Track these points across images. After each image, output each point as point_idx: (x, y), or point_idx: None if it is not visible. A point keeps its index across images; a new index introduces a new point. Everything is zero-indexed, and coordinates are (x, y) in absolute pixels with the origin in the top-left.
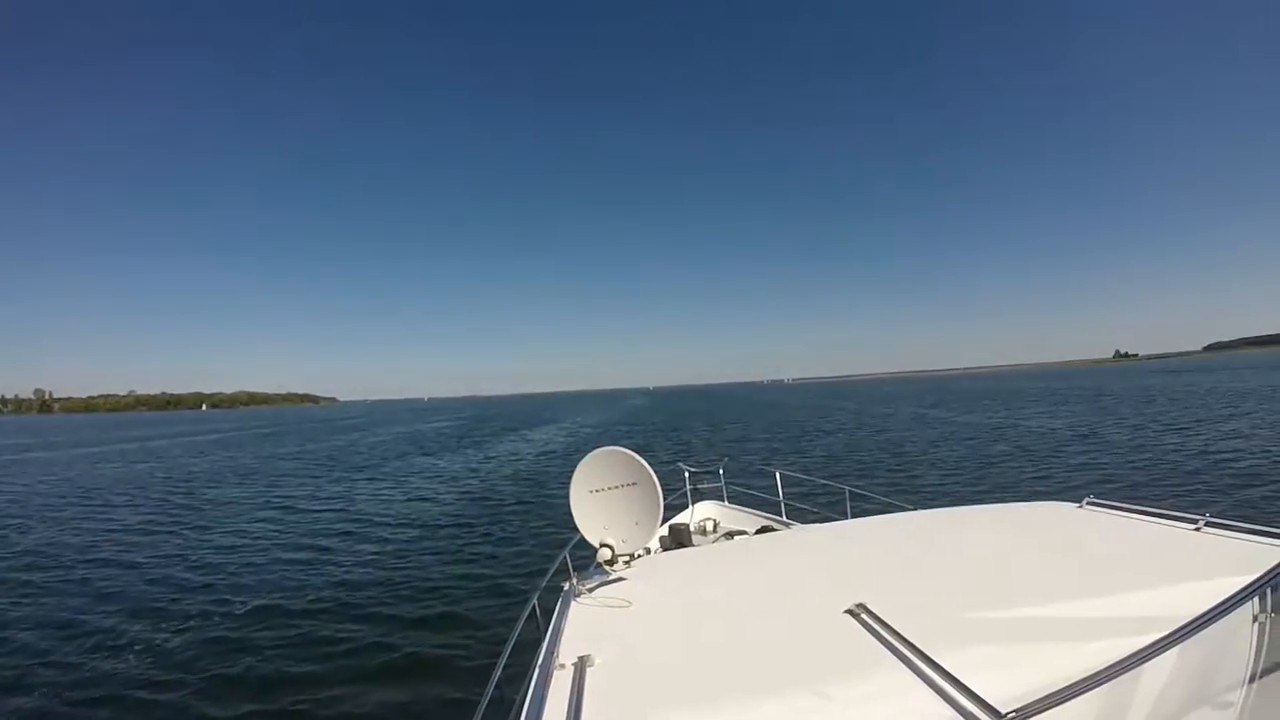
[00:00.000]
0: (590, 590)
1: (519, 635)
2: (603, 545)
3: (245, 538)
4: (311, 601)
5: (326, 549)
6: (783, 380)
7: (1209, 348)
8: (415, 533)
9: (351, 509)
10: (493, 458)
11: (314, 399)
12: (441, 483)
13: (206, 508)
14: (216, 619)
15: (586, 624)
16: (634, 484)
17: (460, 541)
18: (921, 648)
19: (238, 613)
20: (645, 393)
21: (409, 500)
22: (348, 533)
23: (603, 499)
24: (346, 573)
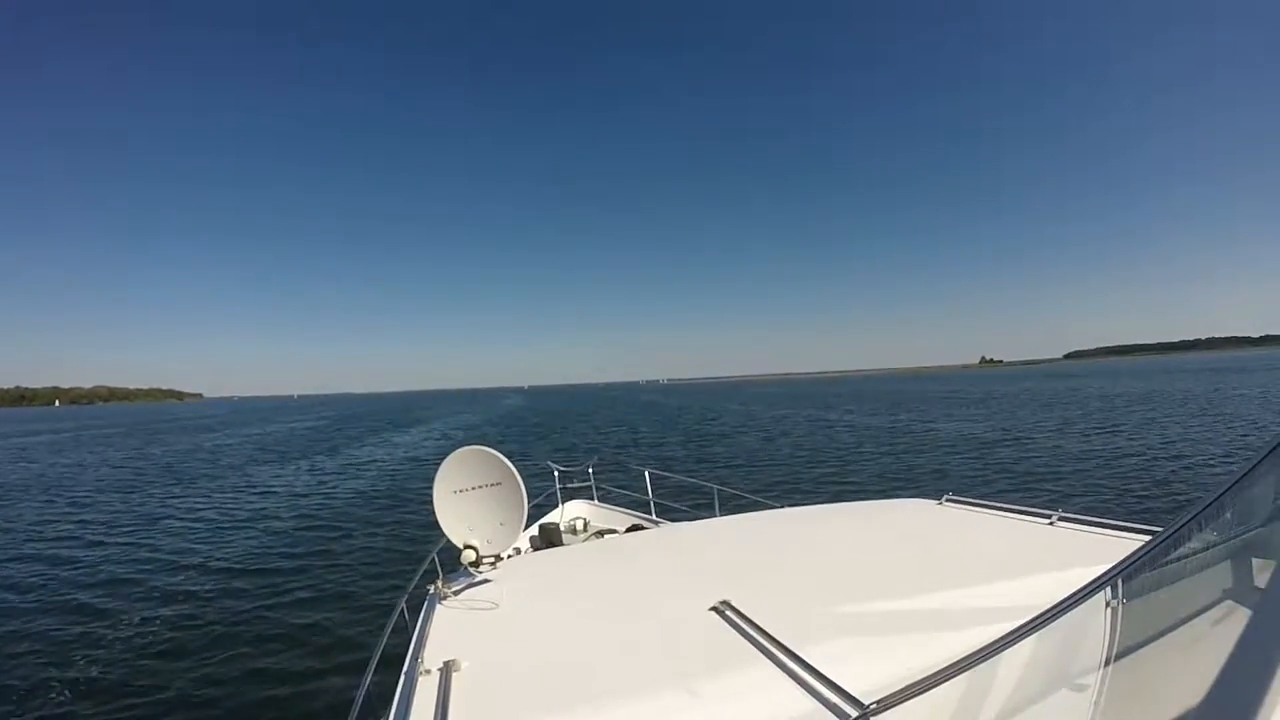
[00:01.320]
0: (456, 593)
1: (387, 643)
2: (467, 547)
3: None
4: (139, 630)
5: (134, 579)
6: (659, 381)
7: (1069, 355)
8: (269, 545)
9: (195, 522)
10: (357, 460)
11: (178, 395)
12: (297, 490)
13: None
14: None
15: (452, 628)
16: (498, 484)
17: (319, 552)
18: (785, 642)
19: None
20: (521, 392)
21: (258, 511)
22: (184, 550)
23: (466, 499)
24: (190, 597)
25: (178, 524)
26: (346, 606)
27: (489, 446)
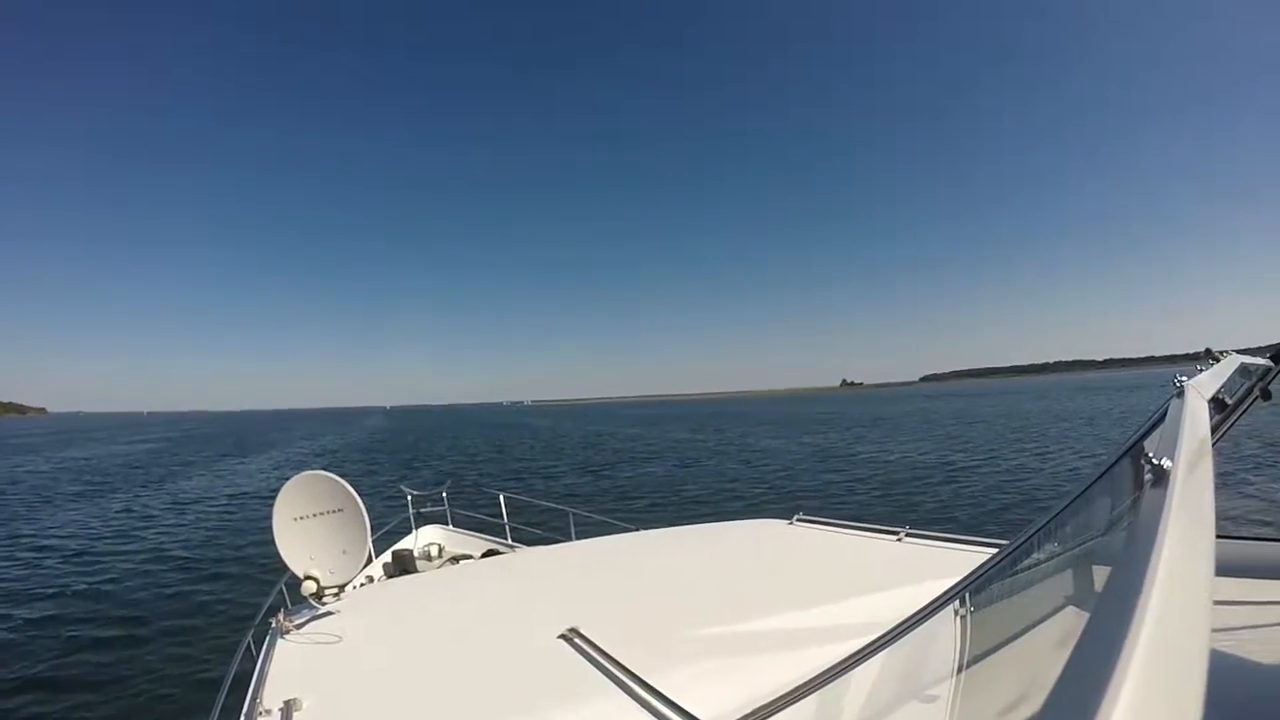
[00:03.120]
0: (299, 627)
1: (232, 681)
2: (307, 577)
3: None
4: None
5: None
6: (523, 402)
7: (925, 378)
8: (97, 585)
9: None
10: (198, 488)
11: (20, 409)
12: (127, 522)
13: None
14: None
15: (295, 664)
16: (339, 510)
17: (155, 589)
18: (634, 669)
19: None
20: (384, 412)
21: (82, 548)
22: None
23: (307, 527)
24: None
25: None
26: (190, 646)
27: (330, 471)
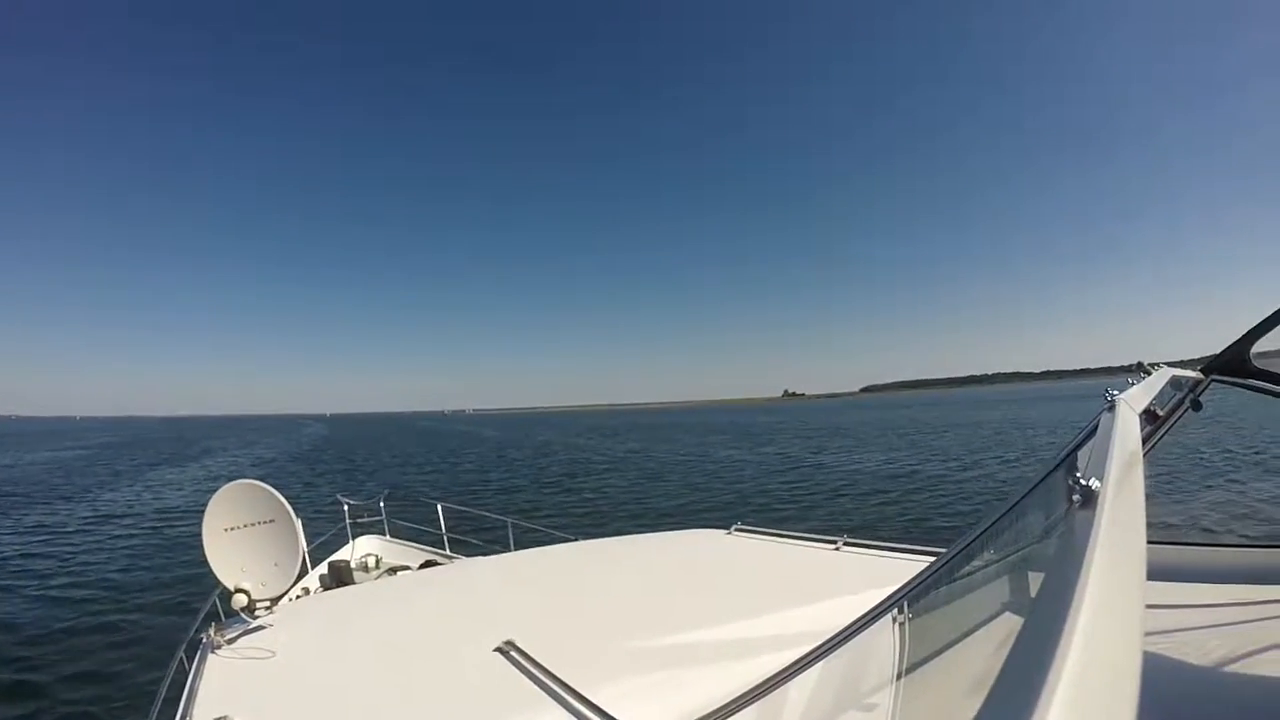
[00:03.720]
0: (230, 641)
1: (164, 699)
2: (238, 590)
3: None
4: None
5: None
6: (464, 411)
7: (865, 389)
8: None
9: None
10: (125, 499)
11: None
12: (45, 537)
13: None
14: None
15: (226, 680)
16: (270, 521)
17: (90, 605)
18: (570, 683)
19: None
20: (325, 420)
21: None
22: None
23: (238, 538)
24: None
25: None
26: (120, 663)
27: (268, 481)
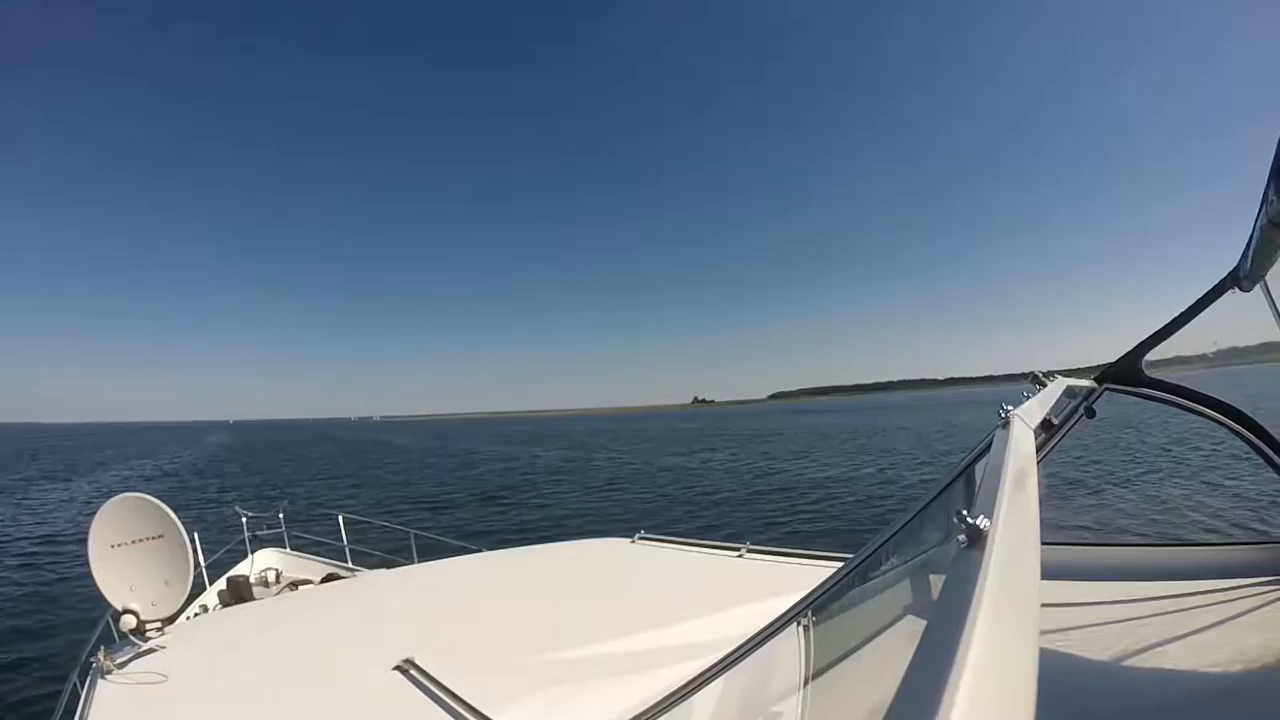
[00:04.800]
0: (121, 666)
1: None
2: (126, 612)
3: None
4: None
5: None
6: (371, 418)
7: (773, 395)
8: None
9: None
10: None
11: None
12: None
13: None
14: None
15: (117, 707)
16: (159, 536)
17: None
18: (470, 701)
19: None
20: (227, 427)
21: None
22: None
23: (125, 556)
24: None
25: None
26: (11, 691)
27: (168, 496)
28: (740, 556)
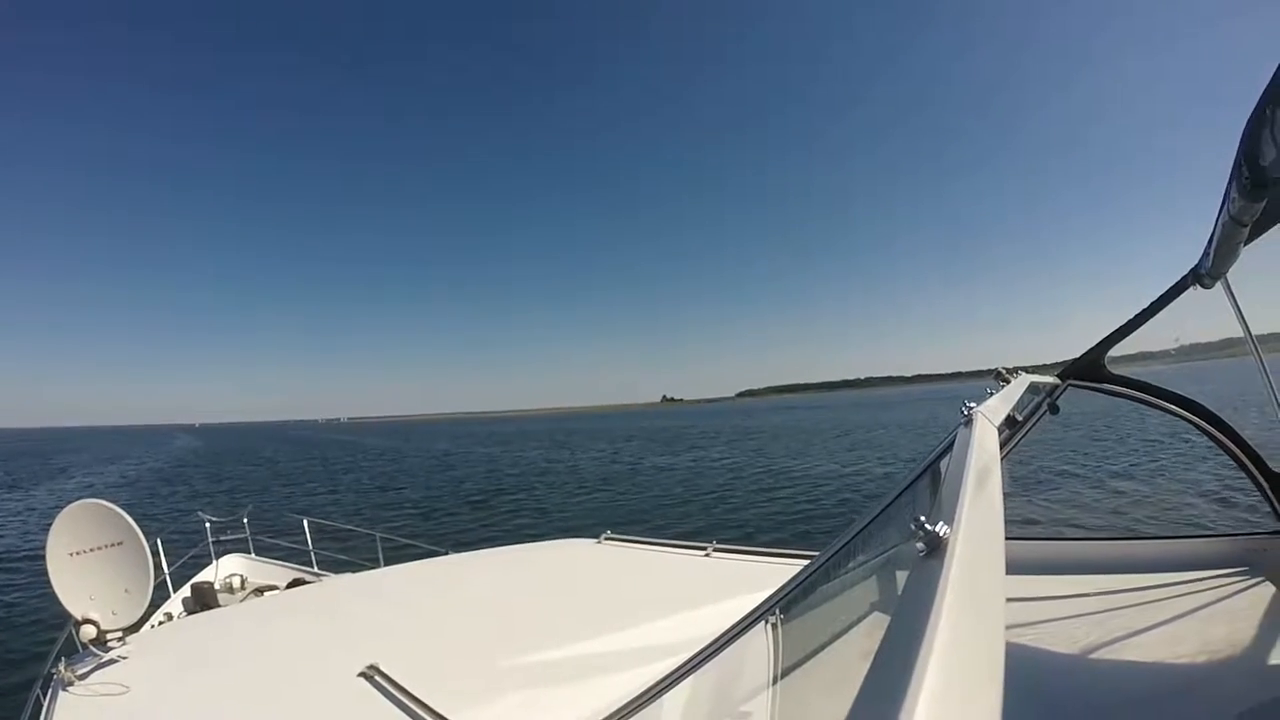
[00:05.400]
0: (82, 677)
1: None
2: (86, 621)
3: None
4: None
5: None
6: (339, 419)
7: (741, 394)
8: None
9: None
10: None
11: None
12: None
13: None
14: None
15: (78, 719)
16: (118, 543)
17: None
18: (435, 708)
19: None
20: (194, 430)
21: None
22: None
23: (85, 564)
24: None
25: None
26: None
27: (107, 500)
28: (707, 555)
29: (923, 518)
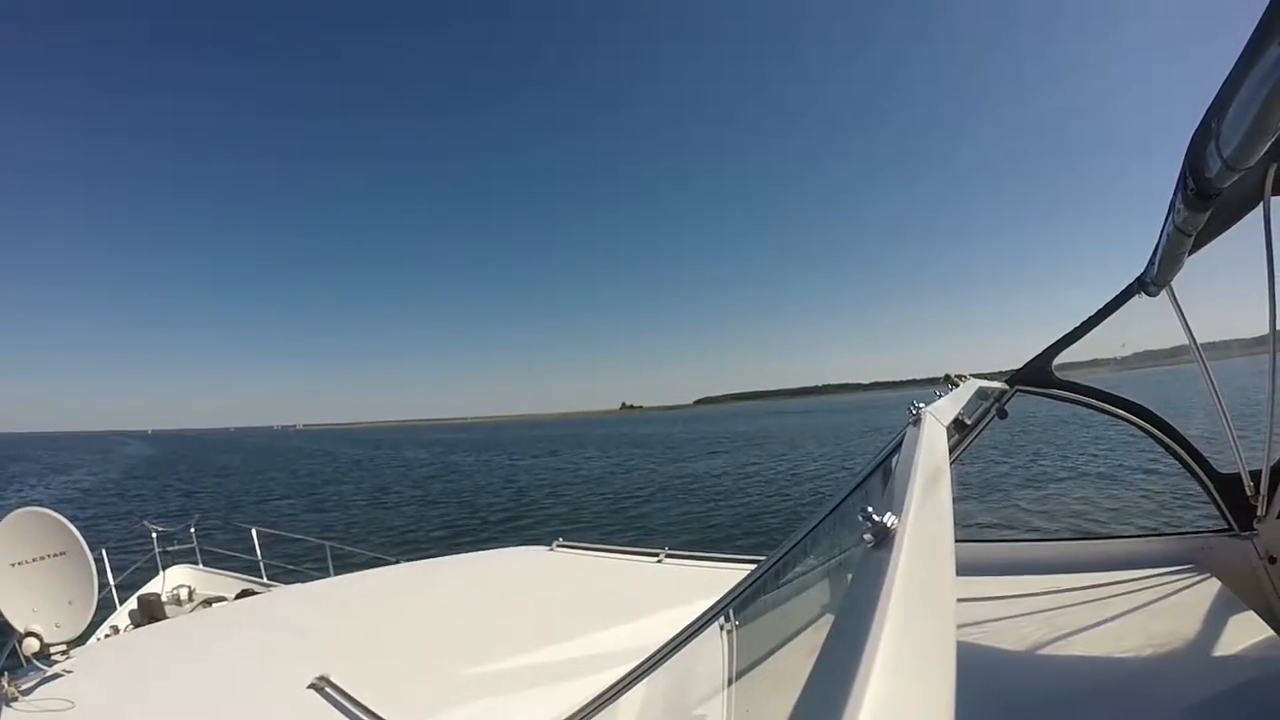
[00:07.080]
0: (27, 693)
1: None
2: (28, 634)
3: None
4: None
5: None
6: (294, 426)
7: (700, 401)
8: None
9: None
10: None
11: None
12: None
13: None
14: None
15: None
16: (61, 553)
17: None
18: (387, 718)
19: None
20: (145, 437)
21: None
22: None
23: (26, 575)
24: None
25: None
26: None
27: (48, 508)
28: (659, 561)
29: (870, 509)
